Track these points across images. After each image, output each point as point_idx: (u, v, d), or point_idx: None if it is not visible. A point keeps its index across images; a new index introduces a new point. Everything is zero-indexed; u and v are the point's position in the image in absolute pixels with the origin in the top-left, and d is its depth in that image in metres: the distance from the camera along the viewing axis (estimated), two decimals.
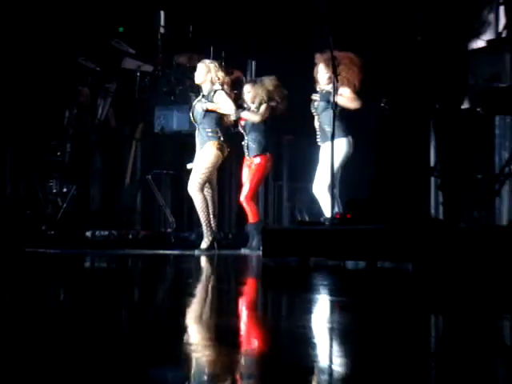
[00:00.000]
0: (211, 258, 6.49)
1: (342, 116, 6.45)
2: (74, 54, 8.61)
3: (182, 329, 2.10)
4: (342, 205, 6.42)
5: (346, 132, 6.67)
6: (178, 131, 8.27)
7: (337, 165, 6.44)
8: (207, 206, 7.14)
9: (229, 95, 7.13)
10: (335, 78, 6.01)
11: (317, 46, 6.55)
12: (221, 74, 7.18)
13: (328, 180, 6.31)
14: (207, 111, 7.09)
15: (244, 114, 7.39)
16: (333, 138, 5.75)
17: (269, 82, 7.49)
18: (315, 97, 6.95)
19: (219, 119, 7.17)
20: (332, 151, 5.68)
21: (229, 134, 7.46)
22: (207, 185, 7.13)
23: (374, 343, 1.87)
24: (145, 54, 8.78)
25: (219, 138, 7.14)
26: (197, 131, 7.24)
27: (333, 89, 5.97)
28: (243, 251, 7.45)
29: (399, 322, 2.23)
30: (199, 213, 7.12)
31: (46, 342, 1.81)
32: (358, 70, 6.71)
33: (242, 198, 7.44)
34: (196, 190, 7.09)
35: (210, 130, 7.13)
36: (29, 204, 8.53)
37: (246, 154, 7.52)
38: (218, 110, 7.10)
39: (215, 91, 7.12)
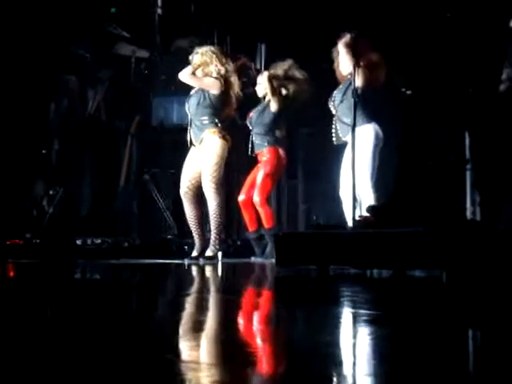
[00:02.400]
0: (217, 268, 6.47)
1: (363, 103, 6.32)
2: (61, 39, 8.60)
3: (187, 346, 2.08)
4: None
5: (370, 118, 6.50)
6: (179, 125, 8.26)
7: (369, 156, 6.37)
8: (224, 211, 7.06)
9: (220, 86, 6.99)
10: (356, 63, 5.98)
11: (337, 26, 6.50)
12: (223, 66, 7.07)
13: (366, 177, 6.26)
14: (202, 100, 6.98)
15: None
16: (354, 129, 5.72)
17: (278, 67, 7.46)
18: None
19: (216, 109, 7.05)
20: (353, 144, 5.65)
21: (234, 127, 7.40)
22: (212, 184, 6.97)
23: (407, 363, 1.84)
24: (140, 38, 8.78)
25: (216, 124, 7.05)
26: (189, 126, 7.13)
27: (353, 75, 5.95)
28: (254, 259, 7.43)
29: (434, 339, 2.20)
30: (212, 217, 7.02)
31: (30, 364, 1.79)
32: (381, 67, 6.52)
33: (256, 199, 7.39)
34: (213, 192, 6.96)
35: (205, 118, 7.03)
36: (11, 209, 8.51)
37: (250, 151, 7.48)
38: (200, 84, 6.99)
39: (211, 76, 7.05)
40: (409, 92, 5.83)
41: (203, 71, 7.07)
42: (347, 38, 6.35)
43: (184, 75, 7.06)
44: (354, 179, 5.66)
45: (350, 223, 5.86)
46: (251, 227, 7.53)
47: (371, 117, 6.49)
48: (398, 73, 6.22)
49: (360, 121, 6.25)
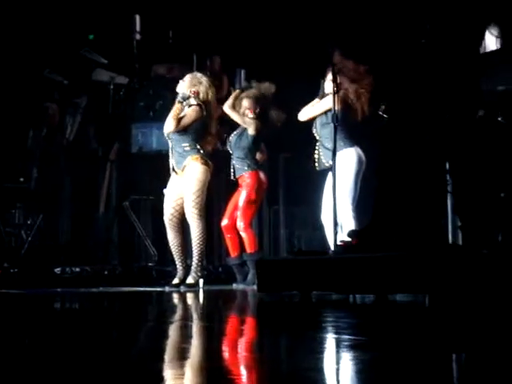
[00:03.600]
0: (198, 295, 6.46)
1: (344, 127, 6.38)
2: (39, 66, 8.61)
3: (171, 374, 2.09)
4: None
5: (352, 142, 6.55)
6: (159, 151, 8.28)
7: (351, 180, 6.42)
8: (205, 237, 7.06)
9: (201, 112, 7.02)
10: (335, 85, 6.04)
11: (318, 49, 6.55)
12: (203, 88, 7.10)
13: (347, 201, 6.31)
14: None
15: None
16: (334, 153, 5.78)
17: (254, 90, 7.52)
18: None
19: (197, 134, 7.06)
20: (334, 169, 5.70)
21: (214, 153, 7.43)
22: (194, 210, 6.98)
23: None
24: (119, 64, 8.81)
25: (198, 150, 7.07)
26: (170, 151, 7.13)
27: (332, 97, 5.99)
28: (235, 286, 7.43)
29: (417, 364, 2.22)
30: (195, 243, 7.01)
31: None
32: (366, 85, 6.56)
33: (239, 224, 7.41)
34: (196, 219, 6.95)
35: (186, 144, 7.05)
36: None
37: (232, 176, 7.50)
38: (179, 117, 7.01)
39: (190, 105, 7.06)
40: (385, 115, 5.91)
41: (188, 100, 7.08)
42: (337, 59, 6.38)
43: (169, 129, 7.06)
44: (335, 204, 5.69)
45: (332, 248, 5.88)
46: (233, 253, 7.53)
47: (353, 140, 6.55)
48: (376, 97, 6.29)
49: (342, 144, 6.31)
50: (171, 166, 7.11)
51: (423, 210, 5.12)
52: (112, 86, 8.72)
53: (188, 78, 7.16)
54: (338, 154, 6.04)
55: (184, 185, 7.03)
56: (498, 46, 5.37)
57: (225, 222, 7.53)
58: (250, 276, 7.34)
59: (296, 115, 6.94)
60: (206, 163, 7.04)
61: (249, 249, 7.42)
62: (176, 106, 7.03)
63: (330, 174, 6.45)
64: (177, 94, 7.09)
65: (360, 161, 6.52)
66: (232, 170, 7.53)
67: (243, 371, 2.17)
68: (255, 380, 2.05)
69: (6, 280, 7.73)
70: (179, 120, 6.99)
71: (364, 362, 2.25)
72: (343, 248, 5.36)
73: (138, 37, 8.79)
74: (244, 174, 7.45)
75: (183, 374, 2.10)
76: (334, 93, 6.01)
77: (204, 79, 7.16)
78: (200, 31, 8.52)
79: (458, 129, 5.03)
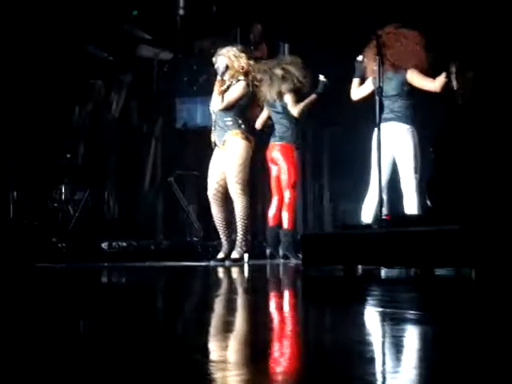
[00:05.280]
0: (243, 269, 6.48)
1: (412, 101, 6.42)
2: (83, 42, 8.64)
3: (216, 346, 2.09)
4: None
5: (412, 120, 6.49)
6: (203, 127, 8.28)
7: (411, 150, 6.39)
8: (249, 212, 7.08)
9: (247, 88, 7.02)
10: (380, 59, 5.96)
11: (361, 25, 6.47)
12: (244, 62, 7.08)
13: (411, 171, 6.31)
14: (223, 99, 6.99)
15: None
16: (379, 127, 5.74)
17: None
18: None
19: (240, 109, 7.08)
20: (379, 139, 5.66)
21: (259, 134, 7.42)
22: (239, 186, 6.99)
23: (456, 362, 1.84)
24: (162, 40, 8.81)
25: (240, 126, 7.06)
26: (213, 127, 7.15)
27: (378, 72, 5.92)
28: (283, 261, 7.44)
29: (471, 339, 2.19)
30: (239, 218, 7.04)
31: (60, 370, 1.81)
32: (420, 48, 6.47)
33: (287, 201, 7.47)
34: (239, 194, 7.00)
35: (229, 119, 7.05)
36: (37, 214, 8.56)
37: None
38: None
39: (238, 81, 7.07)
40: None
41: (229, 73, 7.07)
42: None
43: (217, 106, 7.03)
44: (380, 178, 5.65)
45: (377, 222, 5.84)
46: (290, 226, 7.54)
47: (414, 119, 6.51)
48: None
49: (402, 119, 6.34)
50: (213, 140, 7.12)
51: (479, 185, 5.03)
52: (156, 62, 8.73)
53: (226, 51, 7.12)
54: (397, 125, 6.21)
55: (226, 160, 7.04)
56: None
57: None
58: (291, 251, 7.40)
59: (341, 91, 6.89)
60: (246, 138, 7.05)
61: (288, 225, 7.48)
62: (218, 82, 7.02)
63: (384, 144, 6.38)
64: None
65: (414, 141, 6.48)
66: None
67: (287, 345, 2.16)
68: (297, 353, 2.04)
69: (53, 255, 7.82)
70: (224, 95, 6.99)
71: (419, 337, 2.24)
72: (388, 222, 5.32)
73: (181, 12, 8.79)
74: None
75: (228, 347, 2.10)
76: (379, 66, 5.93)
77: (243, 54, 7.12)
78: (242, 4, 8.48)
79: None
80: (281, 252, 7.53)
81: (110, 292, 4.34)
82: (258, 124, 7.63)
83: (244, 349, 2.11)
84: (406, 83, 6.43)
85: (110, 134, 9.00)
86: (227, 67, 7.03)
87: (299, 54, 7.62)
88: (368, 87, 6.58)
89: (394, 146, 6.42)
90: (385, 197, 6.26)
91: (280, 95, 7.38)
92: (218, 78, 7.03)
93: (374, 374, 1.66)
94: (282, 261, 7.44)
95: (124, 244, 8.25)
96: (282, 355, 1.94)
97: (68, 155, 8.77)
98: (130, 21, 8.82)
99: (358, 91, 6.70)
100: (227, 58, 7.07)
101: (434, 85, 6.32)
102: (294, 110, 7.39)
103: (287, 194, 7.48)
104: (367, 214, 6.47)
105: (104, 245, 8.19)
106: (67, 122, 8.80)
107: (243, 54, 7.14)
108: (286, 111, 7.44)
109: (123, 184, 9.16)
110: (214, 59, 7.13)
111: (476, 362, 1.79)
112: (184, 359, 1.88)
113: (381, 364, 1.81)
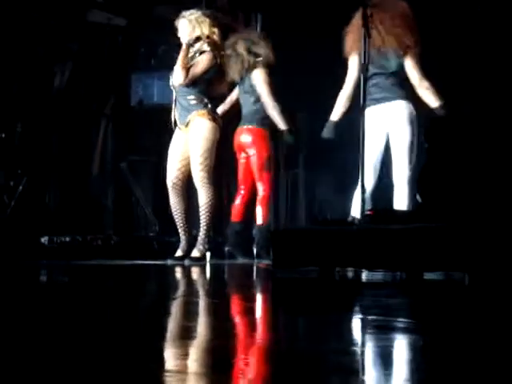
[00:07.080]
0: (205, 270, 6.51)
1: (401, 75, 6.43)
2: (24, 5, 8.60)
3: (174, 354, 2.12)
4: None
5: (407, 96, 6.50)
6: (162, 105, 8.29)
7: (408, 135, 6.40)
8: (214, 204, 7.06)
9: (214, 60, 7.00)
10: (366, 33, 6.00)
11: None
12: (206, 29, 7.03)
13: (405, 161, 6.35)
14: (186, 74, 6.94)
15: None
16: (363, 107, 5.79)
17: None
18: None
19: (206, 85, 7.08)
20: (362, 125, 5.71)
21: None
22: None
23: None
24: (116, 4, 8.79)
25: (206, 105, 7.07)
26: (173, 103, 7.13)
27: (363, 48, 5.96)
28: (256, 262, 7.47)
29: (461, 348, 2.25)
30: (202, 211, 7.03)
31: None
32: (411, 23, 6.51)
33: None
34: (204, 183, 6.98)
35: (192, 97, 7.04)
36: None
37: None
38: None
39: (202, 52, 7.04)
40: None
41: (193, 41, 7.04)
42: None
43: (179, 81, 7.00)
44: (362, 167, 5.70)
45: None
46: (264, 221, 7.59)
47: (409, 95, 6.51)
48: None
49: (393, 95, 6.38)
50: (173, 120, 7.11)
51: (474, 182, 5.11)
52: (108, 29, 8.72)
53: (189, 13, 7.08)
54: (388, 104, 6.25)
55: (189, 144, 7.03)
56: None
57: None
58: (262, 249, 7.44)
59: (317, 75, 6.97)
60: (214, 119, 7.02)
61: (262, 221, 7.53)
62: (183, 53, 6.98)
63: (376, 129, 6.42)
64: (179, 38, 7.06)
65: (414, 115, 6.46)
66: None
67: (252, 354, 2.20)
68: (263, 361, 2.08)
69: None
70: (188, 69, 6.96)
71: (411, 348, 2.29)
72: (371, 217, 5.36)
73: None
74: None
75: (187, 354, 2.14)
76: (365, 39, 5.97)
77: (207, 20, 7.08)
78: None
79: None
80: (255, 251, 7.56)
81: (50, 294, 4.35)
82: (225, 105, 7.63)
83: (204, 357, 2.15)
84: (401, 63, 6.45)
85: (53, 111, 8.97)
86: (190, 30, 6.99)
87: (273, 29, 7.65)
88: (353, 71, 6.56)
89: (388, 127, 6.39)
90: (369, 188, 6.28)
91: (240, 74, 7.40)
92: (183, 46, 6.99)
93: None
94: (255, 261, 7.46)
95: (67, 239, 8.24)
96: (246, 365, 1.99)
97: (2, 134, 8.73)
98: None
99: (346, 87, 6.65)
100: (188, 21, 7.03)
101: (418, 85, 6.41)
102: (264, 90, 7.40)
103: (261, 186, 7.50)
104: (357, 207, 6.47)
105: (44, 239, 8.17)
106: (2, 96, 8.76)
107: (207, 20, 7.09)
108: (252, 90, 7.44)
109: (67, 170, 9.14)
110: (175, 23, 7.09)
111: (469, 378, 1.85)
112: (137, 369, 1.91)
113: (360, 375, 1.86)
